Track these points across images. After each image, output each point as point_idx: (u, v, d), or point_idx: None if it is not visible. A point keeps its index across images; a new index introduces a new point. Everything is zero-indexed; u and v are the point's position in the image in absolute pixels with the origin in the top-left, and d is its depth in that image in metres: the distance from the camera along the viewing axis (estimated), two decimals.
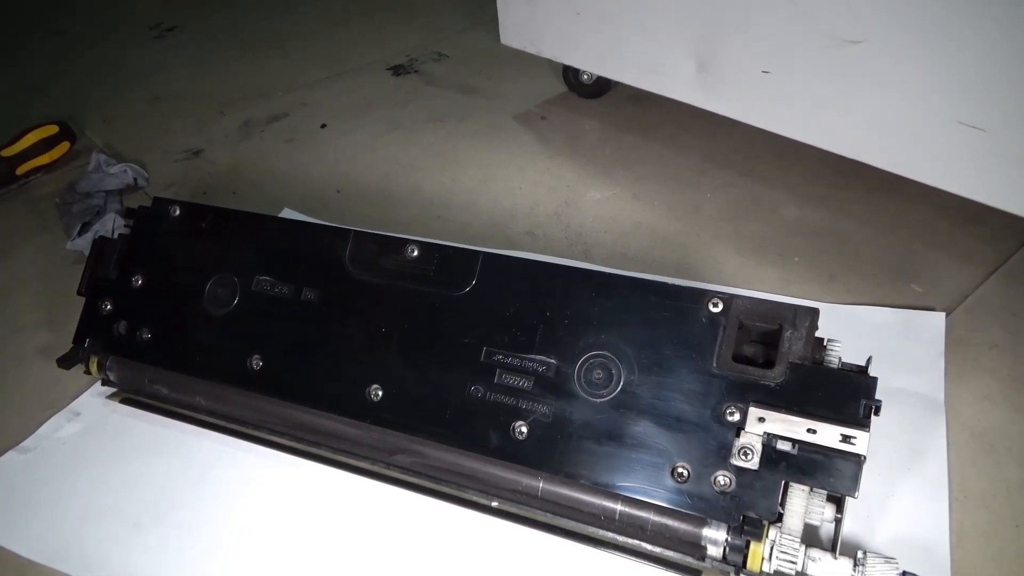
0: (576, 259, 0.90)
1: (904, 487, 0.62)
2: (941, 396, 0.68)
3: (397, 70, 1.40)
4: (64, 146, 1.19)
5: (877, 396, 0.52)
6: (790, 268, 0.85)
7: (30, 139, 1.15)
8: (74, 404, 0.77)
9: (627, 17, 0.93)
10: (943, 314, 0.76)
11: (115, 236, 0.90)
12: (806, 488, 0.52)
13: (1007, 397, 0.68)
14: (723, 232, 0.92)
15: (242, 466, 0.69)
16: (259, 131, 1.25)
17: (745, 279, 0.84)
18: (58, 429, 0.75)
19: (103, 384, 0.77)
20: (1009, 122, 0.66)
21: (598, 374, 0.58)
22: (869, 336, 0.75)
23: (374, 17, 1.63)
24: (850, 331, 0.74)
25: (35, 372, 0.82)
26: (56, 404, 0.77)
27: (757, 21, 0.80)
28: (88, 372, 0.76)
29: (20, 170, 1.15)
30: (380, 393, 0.64)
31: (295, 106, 1.31)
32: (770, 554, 0.52)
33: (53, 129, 1.18)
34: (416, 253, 0.66)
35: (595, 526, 0.59)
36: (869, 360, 0.54)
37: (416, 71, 1.38)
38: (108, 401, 0.76)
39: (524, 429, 0.59)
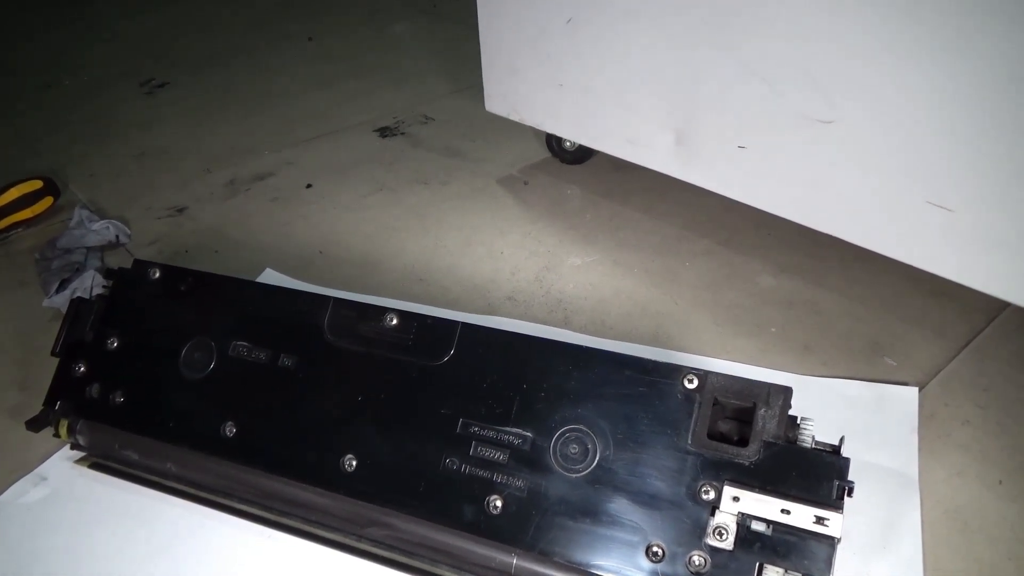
0: (556, 325, 0.90)
1: (879, 566, 0.62)
2: (915, 472, 0.68)
3: (384, 131, 1.42)
4: (47, 201, 1.19)
5: (851, 473, 0.53)
6: (766, 338, 0.86)
7: (13, 193, 1.15)
8: (41, 468, 0.76)
9: (608, 90, 0.96)
10: (916, 389, 0.76)
11: (93, 294, 0.90)
12: (780, 570, 0.52)
13: (979, 474, 0.69)
14: (701, 300, 0.93)
15: (211, 536, 0.68)
16: (244, 189, 1.26)
17: (722, 348, 0.85)
18: (23, 494, 0.73)
19: (72, 448, 0.75)
20: (974, 203, 0.68)
21: (574, 448, 0.58)
22: (843, 410, 0.75)
23: (362, 79, 1.66)
24: (824, 404, 0.75)
25: (2, 433, 0.80)
26: (23, 467, 0.76)
27: (733, 99, 0.83)
28: (57, 435, 0.74)
29: (1, 224, 1.14)
30: (354, 463, 0.63)
31: (281, 165, 1.32)
32: None
33: (37, 184, 1.18)
34: (395, 322, 0.66)
35: None
36: (842, 440, 0.55)
37: (402, 133, 1.41)
38: (76, 465, 0.75)
39: (499, 503, 0.58)
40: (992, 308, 0.86)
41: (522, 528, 0.58)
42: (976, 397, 0.76)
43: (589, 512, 0.56)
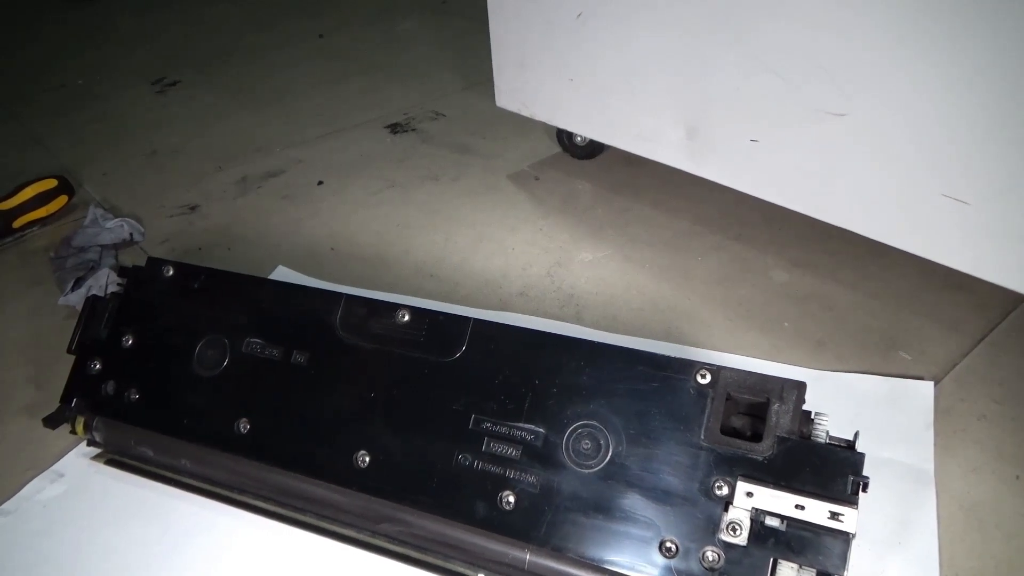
0: (567, 321, 0.90)
1: (894, 562, 0.61)
2: (930, 468, 0.68)
3: (394, 128, 1.42)
4: (62, 200, 1.20)
5: (866, 469, 0.52)
6: (779, 333, 0.85)
7: (28, 192, 1.16)
8: (57, 465, 0.76)
9: (618, 85, 0.96)
10: (931, 383, 0.76)
11: (108, 292, 0.91)
12: (795, 565, 0.52)
13: (995, 471, 0.68)
14: (713, 296, 0.92)
15: (226, 532, 0.68)
16: (256, 187, 1.26)
17: (734, 344, 0.85)
18: (40, 491, 0.74)
19: (88, 445, 0.76)
20: (991, 196, 0.68)
21: (586, 444, 0.58)
22: (857, 405, 0.75)
23: (372, 76, 1.66)
24: (838, 399, 0.75)
25: (19, 431, 0.81)
26: (39, 464, 0.76)
27: (745, 92, 0.82)
28: (74, 432, 0.75)
29: (16, 223, 1.15)
30: (367, 459, 0.63)
31: (292, 162, 1.33)
32: None
33: (52, 183, 1.19)
34: (407, 318, 0.66)
35: None
36: (856, 435, 0.54)
37: (413, 129, 1.41)
38: (92, 462, 0.75)
39: (511, 499, 0.58)
40: (1008, 301, 0.85)
41: (535, 524, 0.58)
42: (992, 392, 0.76)
43: (602, 508, 0.56)
